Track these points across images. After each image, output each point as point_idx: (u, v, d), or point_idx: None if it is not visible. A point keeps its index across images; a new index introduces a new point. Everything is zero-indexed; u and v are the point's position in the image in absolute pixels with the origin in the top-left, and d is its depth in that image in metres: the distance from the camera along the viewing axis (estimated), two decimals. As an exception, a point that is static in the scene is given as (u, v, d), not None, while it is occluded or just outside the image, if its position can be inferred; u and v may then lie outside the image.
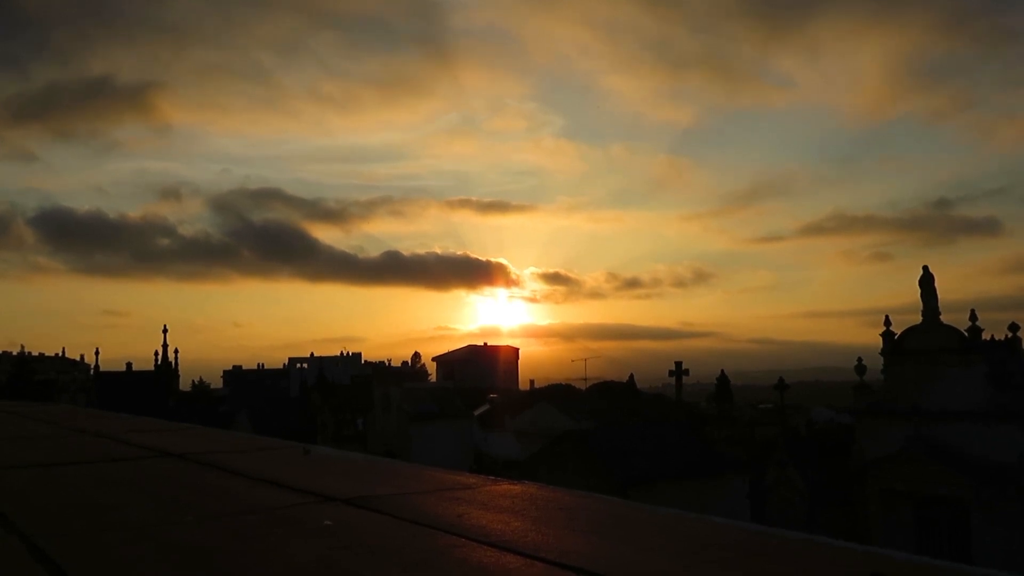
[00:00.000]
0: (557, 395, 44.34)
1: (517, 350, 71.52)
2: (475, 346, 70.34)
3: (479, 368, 59.95)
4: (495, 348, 69.12)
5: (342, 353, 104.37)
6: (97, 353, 52.60)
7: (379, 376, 52.31)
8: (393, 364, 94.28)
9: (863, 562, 1.91)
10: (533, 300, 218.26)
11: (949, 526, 22.44)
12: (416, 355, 77.01)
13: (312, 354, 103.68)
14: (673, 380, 40.25)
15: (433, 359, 67.73)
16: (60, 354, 68.85)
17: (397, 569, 1.93)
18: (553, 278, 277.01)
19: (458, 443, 34.09)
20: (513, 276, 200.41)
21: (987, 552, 21.18)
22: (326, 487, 2.96)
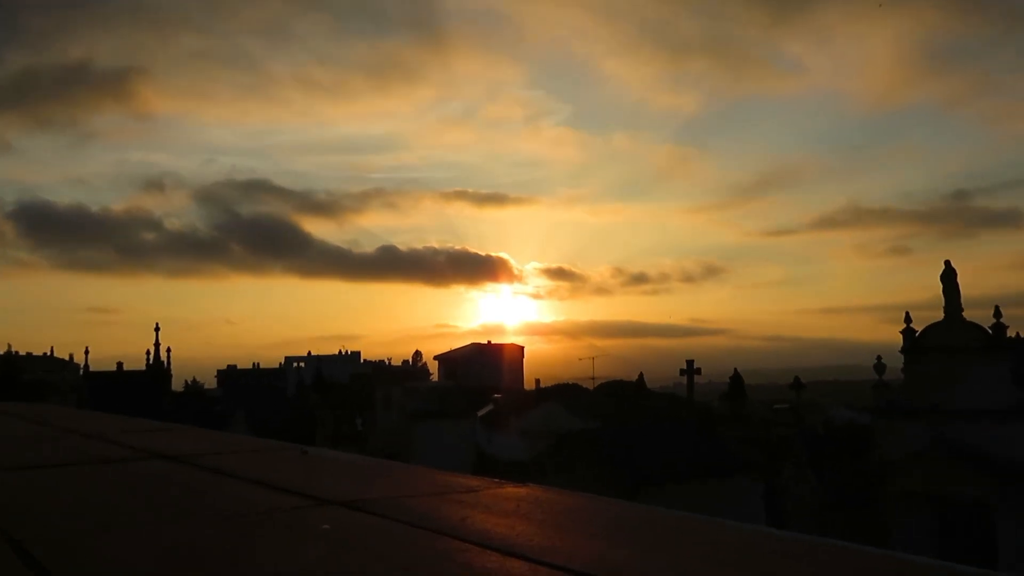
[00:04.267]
0: (564, 395, 44.39)
1: (522, 348, 72.75)
2: (478, 344, 71.28)
3: (482, 367, 60.46)
4: (499, 346, 70.08)
5: (340, 352, 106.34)
6: (87, 352, 52.82)
7: (379, 375, 56.89)
8: (393, 363, 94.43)
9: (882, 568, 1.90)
10: (537, 296, 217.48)
11: (973, 529, 22.37)
12: (417, 353, 78.08)
13: (309, 353, 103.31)
14: (684, 379, 40.48)
15: (435, 358, 68.52)
16: (48, 353, 69.38)
17: (398, 573, 1.93)
18: (557, 273, 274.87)
19: (461, 444, 34.08)
20: (515, 271, 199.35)
21: (1014, 556, 21.15)
22: (324, 489, 2.96)
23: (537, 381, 56.41)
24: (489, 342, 72.25)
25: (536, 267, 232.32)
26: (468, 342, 74.08)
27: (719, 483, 22.64)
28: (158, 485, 3.30)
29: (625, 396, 43.55)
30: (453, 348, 70.21)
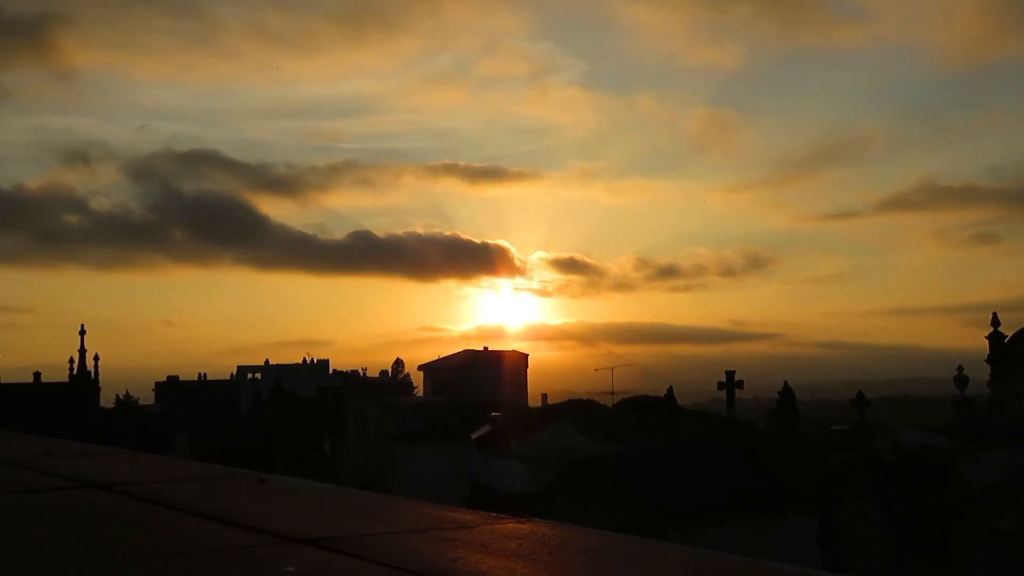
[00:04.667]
0: (576, 413, 45.02)
1: (525, 356, 72.74)
2: (472, 351, 71.15)
3: (477, 379, 61.22)
4: (497, 354, 70.39)
5: (305, 360, 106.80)
6: (-5, 360, 52.73)
7: (352, 388, 58.97)
8: (369, 374, 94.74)
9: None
10: (544, 293, 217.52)
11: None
12: (398, 362, 79.47)
13: (267, 361, 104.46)
14: (723, 394, 41.57)
15: (419, 367, 68.24)
16: (-52, 361, 69.50)
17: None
18: (568, 265, 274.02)
19: (452, 471, 34.22)
20: (517, 263, 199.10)
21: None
22: (287, 525, 2.99)
23: (544, 396, 58.05)
24: (486, 349, 73.20)
25: (542, 258, 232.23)
26: (460, 349, 74.90)
27: (765, 520, 22.80)
28: (91, 518, 3.32)
29: (651, 414, 44.08)
30: (442, 356, 70.39)
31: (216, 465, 4.91)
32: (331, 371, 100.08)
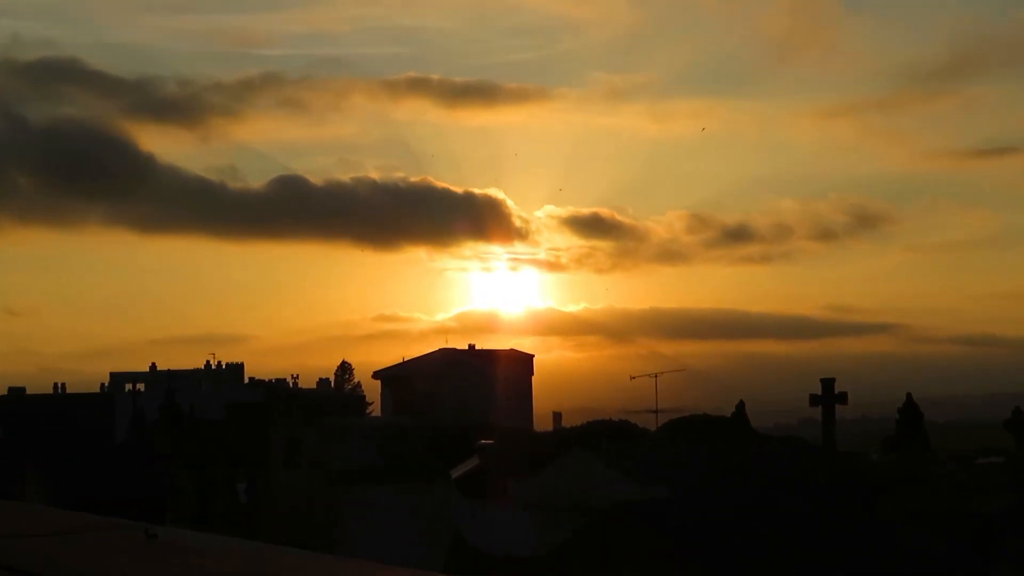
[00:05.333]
0: (603, 439, 45.02)
1: (529, 359, 71.69)
2: (451, 352, 69.90)
3: (460, 391, 60.53)
4: (488, 355, 69.32)
5: (208, 364, 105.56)
6: None
7: (278, 406, 56.35)
8: (301, 384, 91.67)
9: None
10: (555, 267, 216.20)
11: None
12: (344, 368, 77.74)
13: (153, 366, 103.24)
14: (818, 412, 41.40)
15: (375, 375, 66.85)
16: None
17: None
18: (590, 225, 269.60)
19: (424, 523, 34.35)
20: (516, 222, 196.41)
21: None
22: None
23: (556, 416, 58.15)
24: (471, 347, 71.70)
25: (553, 215, 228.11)
26: (434, 347, 73.38)
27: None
28: None
29: (714, 442, 43.93)
30: (408, 359, 69.10)
31: (84, 514, 4.92)
32: (247, 380, 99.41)
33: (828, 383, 40.70)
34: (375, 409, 65.75)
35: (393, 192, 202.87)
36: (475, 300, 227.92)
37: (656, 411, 53.34)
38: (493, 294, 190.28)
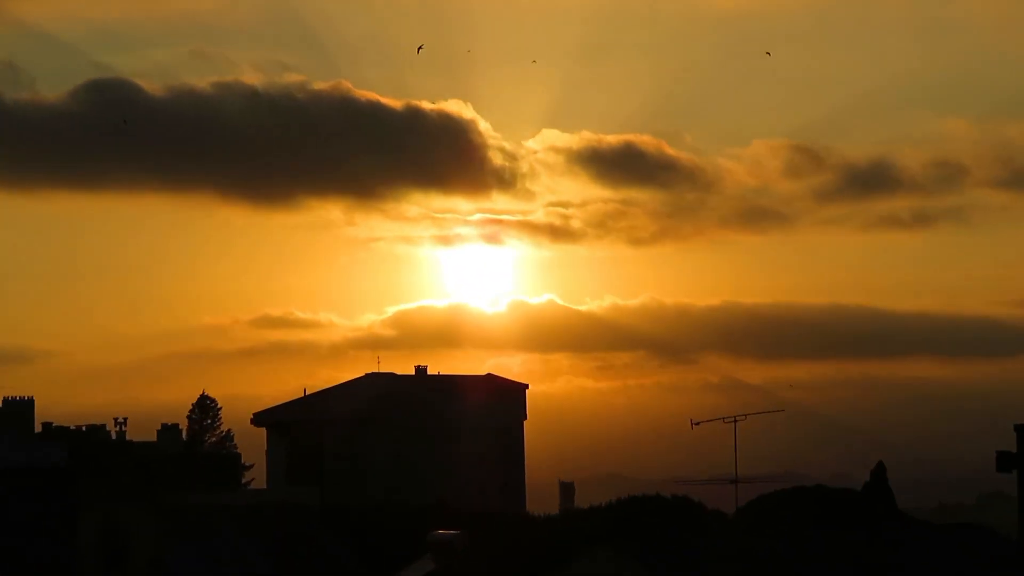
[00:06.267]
0: (648, 528, 39.08)
1: (520, 391, 61.73)
2: (385, 378, 59.77)
3: (398, 445, 53.17)
4: (447, 385, 59.10)
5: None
6: None
7: (92, 469, 47.95)
8: (131, 435, 77.12)
9: None
10: (559, 235, 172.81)
11: None
12: (204, 405, 60.75)
13: None
14: (1012, 480, 34.46)
15: (256, 418, 54.85)
16: None
17: None
18: (618, 163, 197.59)
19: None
20: (494, 159, 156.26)
21: None
22: None
23: (565, 488, 46.80)
24: (420, 371, 59.52)
25: (556, 144, 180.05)
26: (355, 371, 65.50)
27: None
28: None
29: (837, 532, 38.71)
30: (311, 392, 59.79)
31: None
32: (39, 428, 76.72)
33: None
34: (257, 475, 55.59)
35: (284, 107, 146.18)
36: (425, 291, 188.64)
37: (736, 480, 43.63)
38: (456, 281, 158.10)
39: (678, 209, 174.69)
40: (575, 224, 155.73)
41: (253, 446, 58.46)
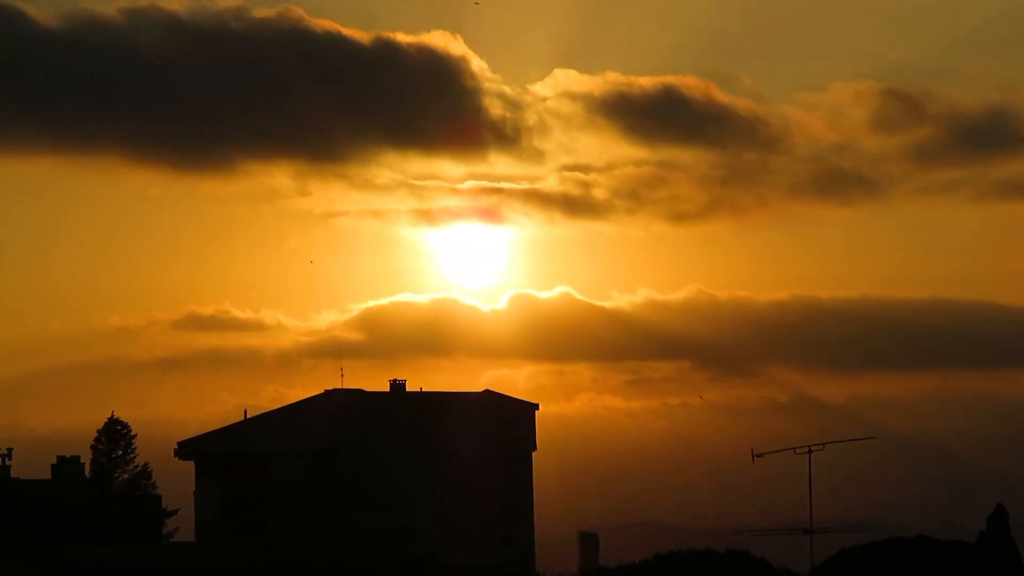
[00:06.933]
0: None
1: (529, 411, 55.65)
2: (350, 395, 52.85)
3: (370, 482, 46.89)
4: (432, 404, 53.84)
5: None
6: None
7: None
8: (16, 471, 58.56)
9: None
10: (576, 208, 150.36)
11: None
12: (112, 430, 58.34)
13: None
14: None
15: (180, 448, 49.06)
16: None
17: None
18: (653, 114, 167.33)
19: None
20: (492, 108, 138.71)
21: None
22: None
23: (586, 539, 43.41)
24: (396, 385, 52.37)
25: (572, 89, 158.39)
26: (313, 386, 62.33)
27: None
28: None
29: None
30: (254, 415, 52.82)
31: None
32: None
33: None
34: (183, 524, 47.22)
35: (215, 41, 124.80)
36: (401, 283, 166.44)
37: (811, 529, 38.57)
38: (441, 270, 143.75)
39: (733, 174, 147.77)
40: (598, 194, 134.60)
41: (178, 485, 50.28)
